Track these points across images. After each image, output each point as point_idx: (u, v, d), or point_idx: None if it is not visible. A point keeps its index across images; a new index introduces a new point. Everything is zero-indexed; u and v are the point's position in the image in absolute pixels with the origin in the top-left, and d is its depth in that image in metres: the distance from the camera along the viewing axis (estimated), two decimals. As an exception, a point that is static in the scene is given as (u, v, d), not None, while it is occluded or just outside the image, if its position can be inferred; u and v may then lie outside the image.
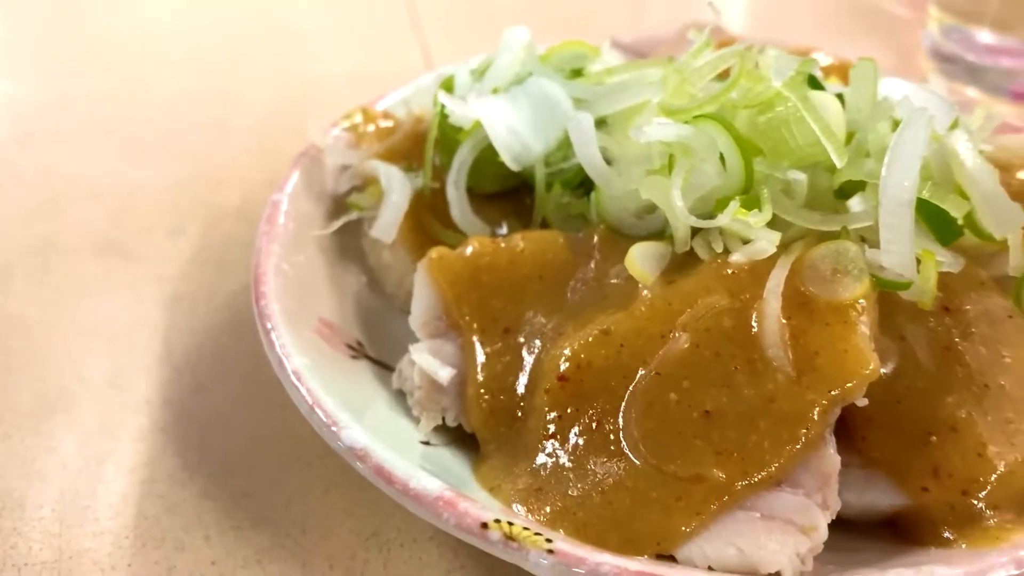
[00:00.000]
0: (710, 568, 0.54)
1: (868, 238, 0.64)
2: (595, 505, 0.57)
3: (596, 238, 0.72)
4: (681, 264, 0.67)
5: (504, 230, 0.80)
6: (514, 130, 0.76)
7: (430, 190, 0.81)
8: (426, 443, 0.67)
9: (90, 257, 0.99)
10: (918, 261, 0.62)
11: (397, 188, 0.79)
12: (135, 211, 1.06)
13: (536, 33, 0.87)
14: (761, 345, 0.58)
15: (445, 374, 0.67)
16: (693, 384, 0.59)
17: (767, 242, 0.62)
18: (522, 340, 0.67)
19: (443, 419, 0.68)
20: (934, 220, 0.64)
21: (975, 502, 0.58)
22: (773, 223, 0.64)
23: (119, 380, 0.84)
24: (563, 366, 0.62)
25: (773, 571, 0.53)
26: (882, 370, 0.61)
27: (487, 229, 0.79)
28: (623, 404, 0.60)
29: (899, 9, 1.52)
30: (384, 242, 0.80)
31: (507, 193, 0.82)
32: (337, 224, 0.83)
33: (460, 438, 0.68)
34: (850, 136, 0.68)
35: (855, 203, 0.64)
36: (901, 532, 0.61)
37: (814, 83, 0.70)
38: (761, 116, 0.66)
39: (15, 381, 0.83)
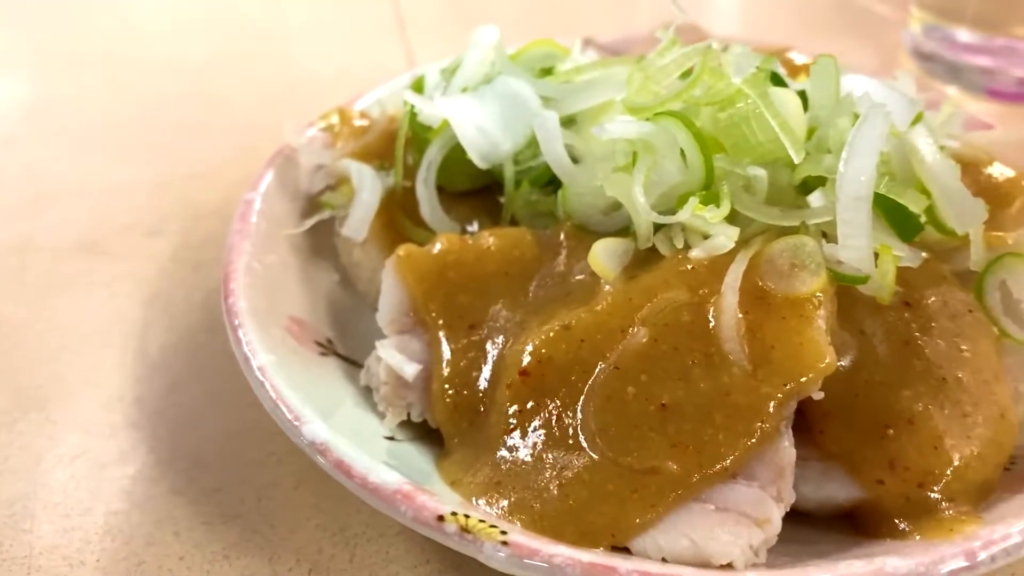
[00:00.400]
0: (664, 559, 0.55)
1: (829, 233, 0.65)
2: (552, 498, 0.58)
3: (563, 235, 0.72)
4: (644, 260, 0.67)
5: (475, 227, 0.81)
6: (482, 128, 0.77)
7: (402, 188, 0.82)
8: (391, 438, 0.67)
9: (69, 256, 1.00)
10: (877, 256, 0.62)
11: (368, 186, 0.80)
12: (115, 211, 1.07)
13: (524, 35, 0.88)
14: (718, 339, 0.59)
15: (411, 370, 0.68)
16: (651, 378, 0.59)
17: (725, 237, 0.62)
18: (487, 336, 0.68)
19: (408, 414, 0.68)
20: (893, 215, 0.64)
21: (930, 494, 0.59)
22: (735, 219, 0.65)
23: (94, 378, 0.84)
24: (525, 361, 0.63)
25: (725, 562, 0.54)
26: (841, 364, 0.62)
27: (457, 227, 0.79)
28: (582, 398, 0.61)
29: (882, 8, 1.52)
30: (355, 240, 0.80)
31: (479, 191, 0.83)
32: (310, 223, 0.83)
33: (426, 434, 0.69)
34: (812, 132, 0.69)
35: (815, 199, 0.65)
36: (858, 525, 0.61)
37: (777, 80, 0.71)
38: (722, 113, 0.67)
39: (-9, 379, 0.84)
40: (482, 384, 0.66)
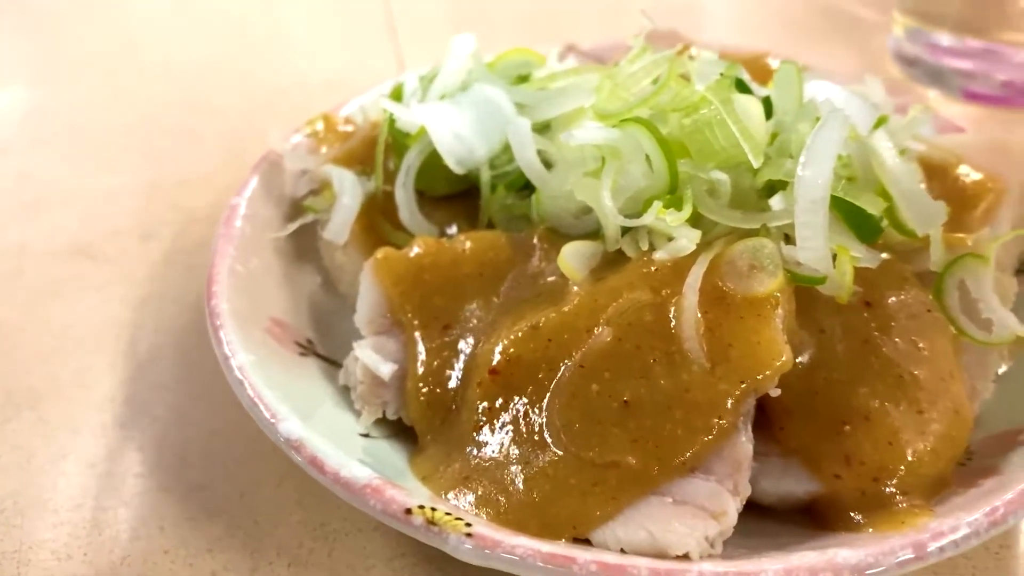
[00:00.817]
0: (622, 551, 0.57)
1: (790, 235, 0.67)
2: (517, 491, 0.60)
3: (536, 238, 0.74)
4: (612, 262, 0.69)
5: (454, 230, 0.83)
6: (458, 134, 0.79)
7: (382, 193, 0.84)
8: (367, 436, 0.69)
9: (63, 260, 1.02)
10: (835, 257, 0.64)
11: (349, 191, 0.82)
12: (108, 216, 1.09)
13: (515, 40, 0.90)
14: (678, 338, 0.61)
15: (387, 369, 0.70)
16: (614, 376, 0.61)
17: (687, 240, 0.64)
18: (460, 336, 0.70)
19: (384, 412, 0.70)
20: (852, 217, 0.66)
21: (885, 488, 0.61)
22: (699, 222, 0.67)
23: (85, 379, 0.87)
24: (495, 360, 0.65)
25: (681, 553, 0.56)
26: (800, 362, 0.64)
27: (435, 230, 0.81)
28: (548, 395, 0.63)
29: (866, 12, 1.54)
30: (337, 243, 0.82)
31: (458, 195, 0.85)
32: (293, 227, 0.85)
33: (401, 431, 0.71)
34: (775, 136, 0.71)
35: (776, 202, 0.67)
36: (816, 518, 0.63)
37: (742, 87, 0.72)
38: (687, 119, 0.69)
39: (-15, 380, 0.87)
40: (454, 382, 0.68)
